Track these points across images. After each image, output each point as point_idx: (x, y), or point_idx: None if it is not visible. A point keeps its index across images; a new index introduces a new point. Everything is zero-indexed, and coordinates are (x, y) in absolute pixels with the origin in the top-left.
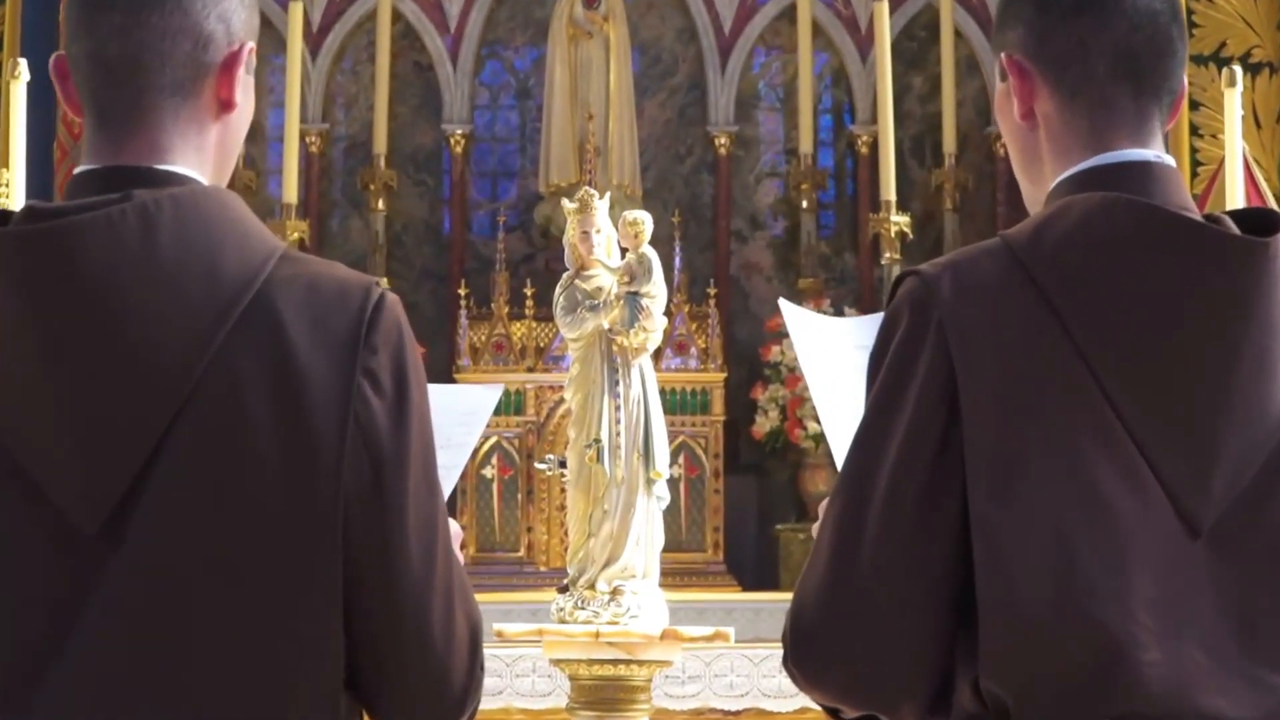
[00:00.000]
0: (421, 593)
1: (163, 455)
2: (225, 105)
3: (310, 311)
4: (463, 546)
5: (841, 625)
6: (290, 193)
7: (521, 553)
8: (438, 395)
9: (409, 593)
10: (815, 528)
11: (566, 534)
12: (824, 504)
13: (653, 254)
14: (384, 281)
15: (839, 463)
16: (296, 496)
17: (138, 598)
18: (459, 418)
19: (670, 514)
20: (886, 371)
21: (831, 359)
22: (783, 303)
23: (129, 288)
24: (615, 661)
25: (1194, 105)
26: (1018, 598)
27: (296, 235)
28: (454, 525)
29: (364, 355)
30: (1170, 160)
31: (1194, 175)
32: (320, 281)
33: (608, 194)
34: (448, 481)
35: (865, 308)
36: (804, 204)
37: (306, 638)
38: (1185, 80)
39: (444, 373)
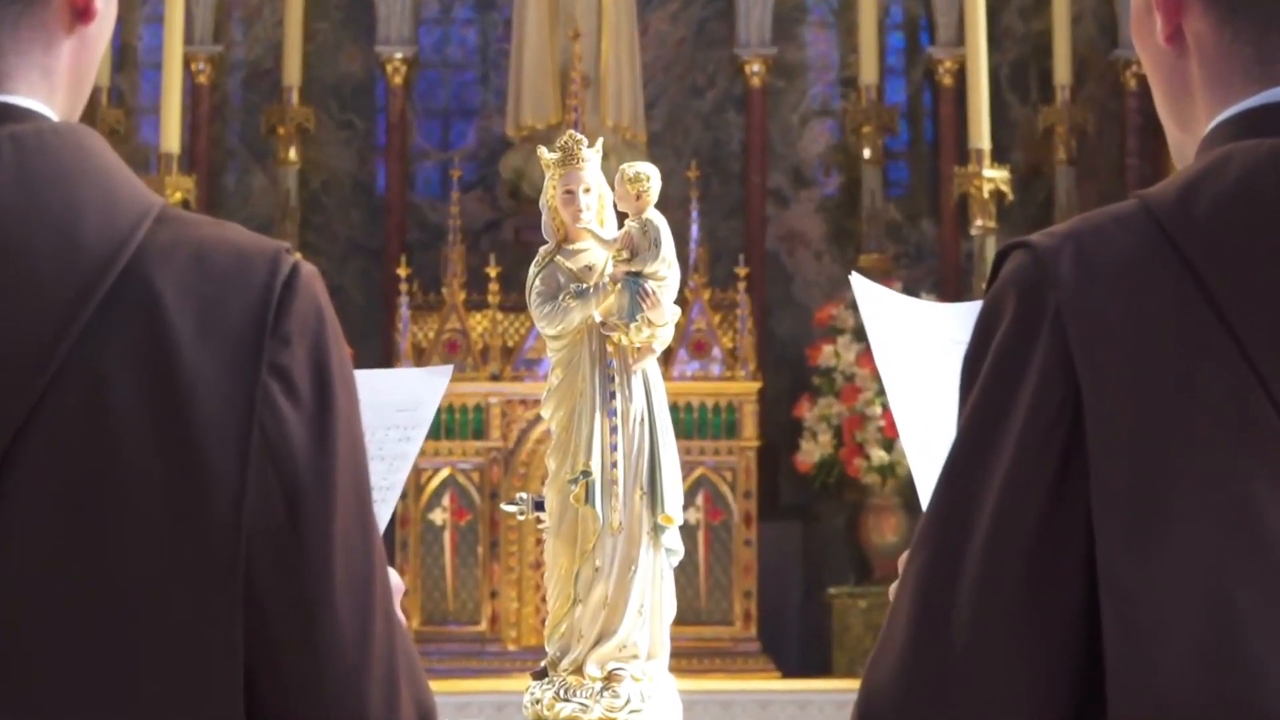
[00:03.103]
0: (356, 670)
1: (2, 485)
2: (81, 14)
3: (198, 289)
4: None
5: None
6: (171, 139)
7: (483, 626)
8: (362, 384)
9: (339, 671)
10: (892, 589)
11: (544, 601)
12: (903, 558)
13: (661, 221)
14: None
15: (925, 502)
16: (181, 542)
17: None
18: (392, 416)
19: (685, 573)
20: (987, 378)
21: (920, 357)
22: (855, 277)
23: None
24: None
25: None
26: (1162, 684)
27: (179, 195)
28: (394, 577)
29: (272, 348)
30: None
31: None
32: (210, 249)
33: (600, 140)
34: (382, 511)
35: (948, 293)
36: (866, 153)
37: None
38: None
39: None
